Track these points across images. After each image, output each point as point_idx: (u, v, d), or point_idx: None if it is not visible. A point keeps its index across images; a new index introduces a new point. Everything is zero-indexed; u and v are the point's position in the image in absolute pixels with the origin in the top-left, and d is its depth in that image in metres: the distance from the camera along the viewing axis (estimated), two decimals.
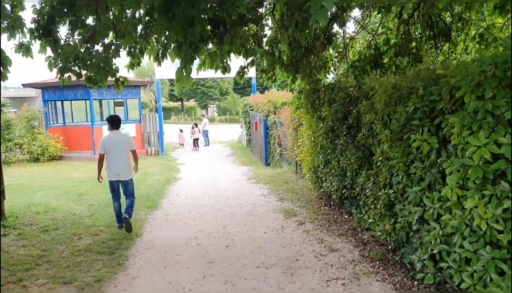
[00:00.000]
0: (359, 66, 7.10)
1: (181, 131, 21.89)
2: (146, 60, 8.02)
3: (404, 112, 3.84)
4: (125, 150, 6.09)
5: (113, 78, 6.11)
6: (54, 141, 15.43)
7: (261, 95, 15.82)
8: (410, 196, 3.85)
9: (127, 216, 5.88)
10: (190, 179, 11.21)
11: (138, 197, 8.29)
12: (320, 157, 6.76)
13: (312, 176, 7.40)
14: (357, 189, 5.47)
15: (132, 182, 6.26)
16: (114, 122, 6.24)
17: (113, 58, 5.53)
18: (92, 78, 5.34)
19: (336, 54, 7.54)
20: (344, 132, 5.76)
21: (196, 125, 20.54)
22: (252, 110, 16.97)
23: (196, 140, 20.01)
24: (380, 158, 4.57)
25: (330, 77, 7.87)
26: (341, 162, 5.85)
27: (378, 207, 4.62)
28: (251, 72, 17.59)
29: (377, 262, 4.40)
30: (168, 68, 17.28)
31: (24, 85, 16.50)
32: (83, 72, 5.41)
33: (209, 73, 17.84)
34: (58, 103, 17.22)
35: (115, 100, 18.35)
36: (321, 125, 6.60)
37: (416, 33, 6.80)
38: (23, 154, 14.88)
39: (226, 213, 7.07)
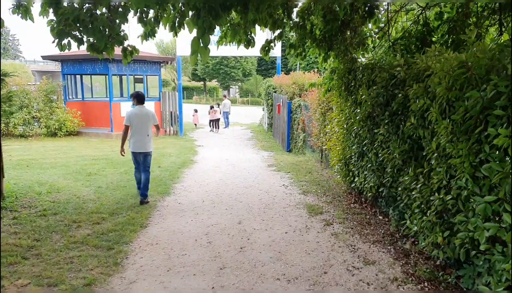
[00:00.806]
0: (403, 44, 6.13)
1: (196, 111, 21.17)
2: (170, 36, 7.29)
3: (480, 98, 2.94)
4: (148, 124, 6.47)
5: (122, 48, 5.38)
6: (71, 116, 15.05)
7: (285, 76, 14.88)
8: (478, 207, 2.98)
9: (142, 199, 6.36)
10: (207, 162, 10.54)
11: (151, 180, 7.71)
12: (354, 148, 5.89)
13: (342, 168, 6.55)
14: (399, 188, 4.61)
15: (151, 154, 6.69)
16: (140, 98, 6.61)
17: (121, 24, 4.78)
18: (94, 45, 4.61)
19: (377, 30, 6.56)
20: (386, 121, 4.87)
21: (213, 107, 19.55)
22: (275, 92, 16.07)
23: (214, 122, 19.18)
24: (435, 154, 3.70)
25: (366, 57, 6.91)
26: (380, 155, 4.98)
27: (428, 214, 3.77)
28: (277, 51, 16.62)
29: (426, 283, 3.57)
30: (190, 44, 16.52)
31: (44, 58, 16.10)
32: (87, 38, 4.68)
33: (230, 50, 17.03)
34: (78, 77, 16.80)
35: (135, 76, 17.81)
36: (357, 111, 5.71)
37: (477, 6, 5.73)
38: (41, 128, 14.56)
39: (243, 204, 6.35)
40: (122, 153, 6.74)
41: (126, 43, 5.02)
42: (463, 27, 5.82)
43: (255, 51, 17.22)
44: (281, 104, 13.82)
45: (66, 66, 15.50)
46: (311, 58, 45.74)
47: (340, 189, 7.28)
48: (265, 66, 53.25)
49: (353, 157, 5.97)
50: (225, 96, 23.31)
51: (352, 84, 6.07)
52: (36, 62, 57.01)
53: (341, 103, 6.81)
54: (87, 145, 13.13)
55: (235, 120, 25.40)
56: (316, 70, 16.46)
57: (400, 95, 4.61)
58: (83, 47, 5.15)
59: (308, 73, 14.29)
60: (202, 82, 57.15)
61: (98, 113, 16.00)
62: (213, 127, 19.24)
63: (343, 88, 6.46)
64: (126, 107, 15.45)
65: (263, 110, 21.40)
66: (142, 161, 6.58)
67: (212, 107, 19.52)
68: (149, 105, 16.59)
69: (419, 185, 3.95)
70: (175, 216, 5.71)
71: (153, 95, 18.02)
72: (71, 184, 7.36)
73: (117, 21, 4.60)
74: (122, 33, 4.84)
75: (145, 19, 5.11)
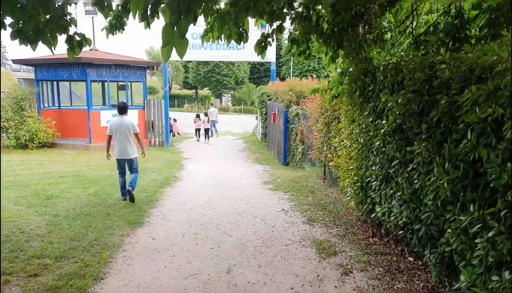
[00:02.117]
0: (431, 40, 4.95)
1: (175, 120, 19.73)
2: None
3: None
4: (129, 132, 6.89)
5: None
6: (45, 126, 13.63)
7: (281, 83, 13.68)
8: None
9: (130, 189, 6.79)
10: (193, 179, 9.22)
11: (122, 206, 6.38)
12: (375, 169, 4.63)
13: (357, 193, 5.28)
14: (447, 228, 3.36)
15: (136, 160, 7.14)
16: (120, 108, 7.06)
17: (66, 4, 3.50)
18: (21, 30, 3.30)
19: (399, 24, 5.37)
20: (423, 136, 3.64)
21: (199, 115, 18.34)
22: (270, 100, 14.85)
23: (204, 131, 18.16)
24: None
25: (383, 56, 5.70)
26: (416, 181, 3.73)
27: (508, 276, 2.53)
28: (271, 56, 15.45)
29: None
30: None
31: (14, 62, 14.72)
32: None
33: (219, 54, 15.78)
34: (54, 84, 15.41)
35: (119, 83, 16.48)
36: (379, 122, 4.47)
37: None
38: (9, 139, 13.13)
39: (233, 240, 5.04)
40: (108, 157, 7.21)
41: (72, 30, 3.72)
42: (508, 17, 4.66)
43: (247, 55, 16.09)
44: (276, 113, 12.60)
45: (40, 71, 14.12)
46: (304, 66, 44.83)
47: (351, 214, 6.02)
48: (258, 74, 52.30)
49: (373, 180, 4.71)
50: (212, 104, 22.06)
51: (370, 88, 4.84)
52: (23, 69, 55.23)
53: (354, 112, 5.58)
54: (60, 159, 11.73)
55: (227, 129, 24.14)
56: (314, 76, 15.30)
57: (443, 101, 3.39)
58: (60, 50, 3.92)
59: (305, 79, 13.11)
60: (193, 90, 55.90)
61: (75, 122, 14.61)
62: (198, 136, 18.27)
63: (357, 93, 5.22)
64: (107, 116, 14.12)
65: (257, 119, 20.17)
66: (129, 167, 7.09)
67: (197, 116, 18.34)
68: (133, 114, 15.31)
69: (491, 233, 2.70)
70: (144, 260, 4.38)
71: (138, 103, 16.67)
72: (21, 212, 5.99)
73: None
74: (68, 17, 3.55)
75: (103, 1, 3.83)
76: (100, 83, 16.91)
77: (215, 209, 6.57)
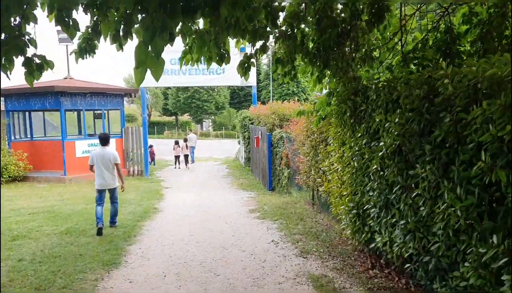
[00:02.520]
0: (418, 57, 4.76)
1: (151, 146, 19.17)
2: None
3: None
4: (110, 163, 6.99)
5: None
6: (16, 159, 12.86)
7: (263, 106, 13.45)
8: None
9: (113, 225, 7.09)
10: (174, 210, 8.67)
11: (97, 243, 5.81)
12: (373, 194, 4.28)
13: (353, 221, 4.89)
14: (462, 261, 3.00)
15: (117, 189, 7.26)
16: (102, 139, 7.23)
17: (24, 24, 3.09)
18: None
19: (387, 40, 5.17)
20: (427, 158, 3.32)
21: (178, 142, 18.08)
22: (252, 124, 14.57)
23: (178, 158, 17.76)
24: None
25: (370, 74, 5.47)
26: (422, 208, 3.38)
27: None
28: (252, 80, 15.26)
29: None
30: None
31: None
32: None
33: (196, 79, 15.47)
34: (27, 114, 14.71)
35: (95, 111, 15.89)
36: (376, 144, 4.16)
37: None
38: None
39: (221, 280, 4.55)
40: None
41: (31, 52, 3.28)
42: (500, 30, 4.52)
43: (228, 80, 15.87)
44: (260, 136, 12.27)
45: (10, 101, 13.46)
46: (283, 89, 45.16)
47: (346, 244, 5.62)
48: (238, 99, 52.34)
49: (371, 207, 4.35)
50: (191, 130, 21.65)
51: (362, 108, 4.56)
52: None
53: (344, 134, 5.28)
54: (31, 193, 10.97)
55: (208, 155, 23.65)
56: (296, 99, 15.17)
57: (447, 119, 3.10)
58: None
59: (287, 102, 12.92)
60: (173, 117, 55.38)
61: (49, 154, 13.86)
62: (178, 164, 17.76)
63: (347, 114, 4.93)
64: (82, 146, 13.50)
65: (239, 143, 19.80)
66: (110, 196, 7.19)
67: (176, 142, 17.94)
68: (111, 142, 14.69)
69: None
70: None
71: (116, 131, 16.06)
72: None
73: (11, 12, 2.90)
74: (26, 37, 3.13)
75: (66, 20, 3.43)
76: (76, 112, 16.27)
77: (198, 243, 6.06)
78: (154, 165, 18.04)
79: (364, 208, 4.55)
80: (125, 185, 7.65)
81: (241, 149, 18.04)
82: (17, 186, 12.34)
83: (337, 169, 5.62)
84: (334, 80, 5.38)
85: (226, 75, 14.85)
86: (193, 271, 4.84)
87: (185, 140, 18.00)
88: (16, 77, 4.37)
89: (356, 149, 4.76)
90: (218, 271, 4.82)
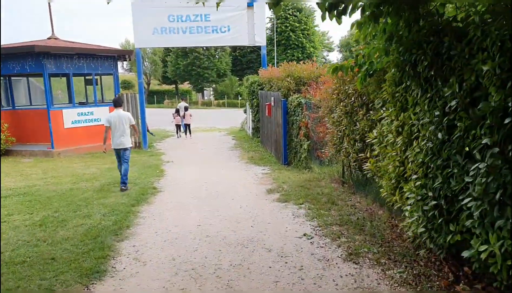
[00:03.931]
0: None
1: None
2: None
3: None
4: (125, 124, 7.37)
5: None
6: None
7: (276, 69, 11.80)
8: None
9: (122, 187, 7.27)
10: (177, 190, 7.31)
11: (78, 240, 4.47)
12: (474, 182, 2.82)
13: (428, 216, 3.44)
14: None
15: (130, 149, 7.59)
16: (116, 102, 7.73)
17: None
18: None
19: None
20: None
21: (178, 111, 17.15)
22: (262, 89, 12.98)
23: (179, 127, 17.05)
24: None
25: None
26: None
27: None
28: (261, 39, 13.54)
29: None
30: (152, 34, 13.20)
31: None
32: None
33: (198, 39, 13.54)
34: (6, 80, 13.11)
35: (86, 77, 14.25)
36: (486, 105, 2.66)
37: None
38: None
39: None
40: (104, 149, 7.68)
41: None
42: None
43: (233, 39, 14.05)
44: (272, 103, 10.74)
45: None
46: (287, 56, 42.92)
47: (402, 238, 4.26)
48: (241, 66, 50.13)
49: (470, 201, 2.90)
50: (182, 99, 20.32)
51: (455, 53, 3.03)
52: None
53: (410, 94, 3.78)
54: (12, 170, 9.59)
55: (212, 125, 22.18)
56: (314, 59, 13.49)
57: None
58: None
59: (303, 63, 11.25)
60: (173, 85, 53.42)
61: (34, 125, 12.39)
62: (180, 133, 17.05)
63: (423, 64, 3.39)
64: (71, 115, 12.01)
65: (245, 112, 18.26)
66: (122, 155, 7.41)
67: (177, 111, 17.03)
68: (104, 111, 13.18)
69: None
70: None
71: (110, 99, 14.47)
72: None
73: None
74: None
75: None
76: (63, 77, 14.62)
77: (209, 238, 4.70)
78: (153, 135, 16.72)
79: (449, 198, 3.10)
80: None
81: (248, 118, 16.52)
82: None
83: (393, 141, 4.16)
84: (395, 18, 3.83)
85: (232, 34, 13.11)
86: (205, 285, 3.49)
87: (186, 109, 16.66)
88: None
89: (436, 114, 3.27)
90: (239, 285, 3.46)
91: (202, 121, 23.17)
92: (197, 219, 5.50)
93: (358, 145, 5.77)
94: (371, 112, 5.27)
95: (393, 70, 4.09)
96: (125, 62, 49.78)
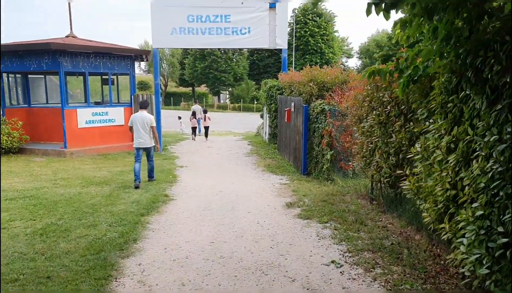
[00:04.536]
0: None
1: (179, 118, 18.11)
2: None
3: None
4: (147, 125, 7.81)
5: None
6: (9, 128, 11.17)
7: (297, 73, 11.26)
8: None
9: (152, 180, 8.09)
10: (190, 199, 6.82)
11: (77, 256, 3.99)
12: None
13: (496, 259, 2.83)
14: None
15: (153, 148, 8.12)
16: (142, 104, 8.20)
17: None
18: None
19: None
20: None
21: (194, 114, 17.30)
22: (281, 94, 12.45)
23: (195, 130, 17.15)
24: None
25: None
26: None
27: None
28: (282, 41, 13.02)
29: None
30: (171, 34, 12.84)
31: None
32: None
33: (217, 40, 12.80)
34: (22, 77, 12.93)
35: (102, 76, 13.99)
36: None
37: None
38: None
39: None
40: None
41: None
42: None
43: (253, 41, 13.49)
44: (292, 109, 10.20)
45: (3, 61, 11.63)
46: (306, 61, 42.29)
47: (448, 272, 3.64)
48: (258, 70, 49.59)
49: None
50: (196, 101, 20.28)
51: None
52: None
53: (465, 106, 3.19)
54: (22, 169, 9.28)
55: (227, 129, 21.76)
56: (340, 63, 12.90)
57: None
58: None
59: (328, 67, 10.68)
60: (190, 88, 53.38)
61: (48, 123, 12.15)
62: (195, 135, 16.99)
63: (494, 69, 2.80)
64: (85, 115, 11.71)
65: (262, 117, 17.76)
66: (147, 154, 8.04)
67: (193, 113, 17.06)
68: (119, 112, 12.87)
69: None
70: None
71: (125, 99, 14.17)
72: None
73: None
74: None
75: None
76: (80, 76, 14.39)
77: (223, 259, 4.17)
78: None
79: None
80: (131, 164, 5.76)
81: (265, 123, 16.00)
82: (10, 159, 10.68)
83: (443, 159, 3.56)
84: (454, 15, 3.25)
85: (253, 36, 12.64)
86: None
87: (205, 111, 16.54)
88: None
89: (509, 130, 2.67)
90: None
91: (218, 125, 22.78)
92: (210, 234, 4.98)
93: (392, 160, 5.17)
94: (411, 123, 4.68)
95: (445, 76, 3.51)
96: (143, 64, 50.04)
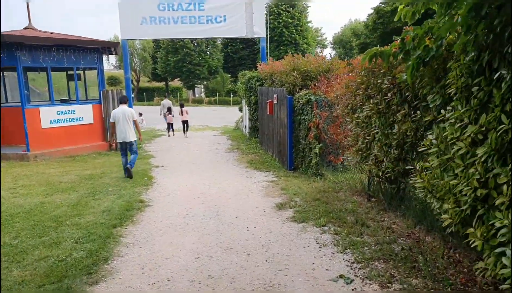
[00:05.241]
0: None
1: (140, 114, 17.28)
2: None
3: None
4: (128, 119, 7.98)
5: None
6: None
7: (278, 62, 10.62)
8: None
9: (129, 167, 7.98)
10: (169, 205, 6.12)
11: (32, 286, 3.24)
12: None
13: None
14: None
15: (135, 142, 8.28)
16: (121, 99, 8.52)
17: None
18: None
19: None
20: None
21: (170, 110, 16.34)
22: (262, 85, 11.81)
23: (171, 126, 16.16)
24: None
25: None
26: None
27: None
28: (260, 30, 12.37)
29: None
30: (140, 24, 11.93)
31: None
32: None
33: (191, 29, 11.72)
34: None
35: (68, 71, 12.90)
36: None
37: None
38: None
39: None
40: (113, 141, 8.46)
41: None
42: None
43: (229, 30, 12.71)
44: (274, 101, 9.59)
45: None
46: (280, 52, 41.70)
47: (475, 281, 3.15)
48: (232, 63, 48.72)
49: None
50: (165, 96, 19.63)
51: None
52: None
53: (496, 89, 2.66)
54: None
55: (204, 123, 20.97)
56: (321, 51, 12.32)
57: None
58: None
59: (308, 55, 10.10)
60: (163, 82, 51.87)
61: (8, 124, 11.04)
62: (173, 131, 16.12)
63: None
64: (49, 114, 10.71)
65: (241, 110, 17.09)
66: (129, 148, 8.19)
67: (169, 109, 16.19)
68: (87, 109, 11.87)
69: None
70: None
71: (94, 96, 13.15)
72: None
73: None
74: None
75: None
76: (43, 71, 13.24)
77: (212, 280, 3.53)
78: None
79: None
80: (105, 164, 5.00)
81: (245, 116, 15.33)
82: None
83: (467, 152, 3.04)
84: None
85: (229, 25, 11.93)
86: None
87: (182, 105, 15.77)
88: None
89: None
90: None
91: (194, 119, 21.93)
92: (194, 247, 4.32)
93: (394, 153, 4.66)
94: (417, 112, 4.15)
95: (470, 54, 2.96)
96: (113, 59, 48.18)
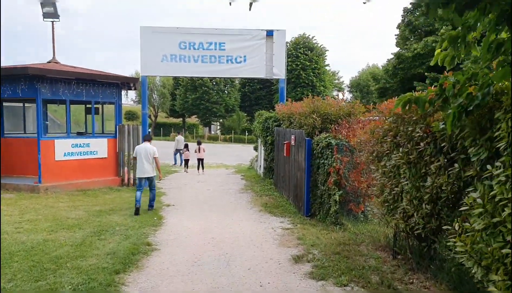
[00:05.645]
0: None
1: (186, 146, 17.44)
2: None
3: None
4: (150, 156, 8.36)
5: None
6: None
7: (297, 104, 10.44)
8: None
9: (150, 208, 8.45)
10: (177, 250, 5.71)
11: None
12: None
13: None
14: None
15: (154, 178, 8.63)
16: (146, 137, 8.87)
17: None
18: None
19: None
20: None
21: (187, 146, 16.80)
22: (279, 126, 11.59)
23: (187, 162, 16.38)
24: None
25: None
26: None
27: None
28: (280, 71, 12.34)
29: None
30: (161, 61, 12.07)
31: None
32: None
33: (210, 69, 11.37)
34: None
35: (87, 105, 13.00)
36: None
37: None
38: None
39: None
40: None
41: None
42: None
43: (250, 70, 12.60)
44: (292, 142, 9.29)
45: None
46: (297, 94, 42.14)
47: None
48: (249, 102, 49.33)
49: None
50: (178, 132, 19.77)
51: None
52: None
53: None
54: None
55: (219, 161, 20.75)
56: (344, 93, 12.19)
57: None
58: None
59: (331, 98, 9.90)
60: (181, 119, 52.61)
61: (23, 155, 11.01)
62: (186, 168, 16.20)
63: None
64: (64, 146, 10.64)
65: (256, 149, 16.85)
66: (149, 183, 8.48)
67: (186, 146, 16.43)
68: (101, 143, 11.77)
69: None
70: None
71: (110, 130, 13.14)
72: None
73: None
74: None
75: None
76: (62, 104, 13.37)
77: None
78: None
79: None
80: (115, 200, 4.69)
81: (260, 156, 15.05)
82: None
83: None
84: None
85: (248, 65, 11.95)
86: None
87: (199, 143, 15.75)
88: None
89: None
90: None
91: (209, 157, 21.76)
92: None
93: (426, 208, 4.22)
94: (455, 164, 3.77)
95: None
96: (133, 94, 49.29)
